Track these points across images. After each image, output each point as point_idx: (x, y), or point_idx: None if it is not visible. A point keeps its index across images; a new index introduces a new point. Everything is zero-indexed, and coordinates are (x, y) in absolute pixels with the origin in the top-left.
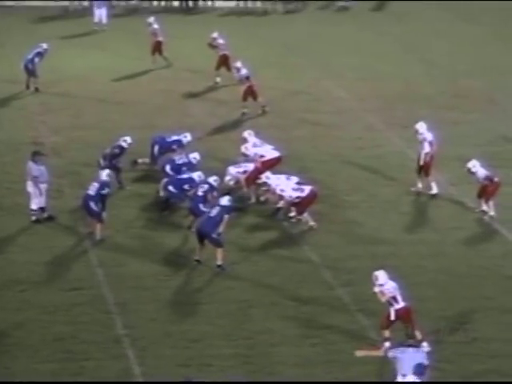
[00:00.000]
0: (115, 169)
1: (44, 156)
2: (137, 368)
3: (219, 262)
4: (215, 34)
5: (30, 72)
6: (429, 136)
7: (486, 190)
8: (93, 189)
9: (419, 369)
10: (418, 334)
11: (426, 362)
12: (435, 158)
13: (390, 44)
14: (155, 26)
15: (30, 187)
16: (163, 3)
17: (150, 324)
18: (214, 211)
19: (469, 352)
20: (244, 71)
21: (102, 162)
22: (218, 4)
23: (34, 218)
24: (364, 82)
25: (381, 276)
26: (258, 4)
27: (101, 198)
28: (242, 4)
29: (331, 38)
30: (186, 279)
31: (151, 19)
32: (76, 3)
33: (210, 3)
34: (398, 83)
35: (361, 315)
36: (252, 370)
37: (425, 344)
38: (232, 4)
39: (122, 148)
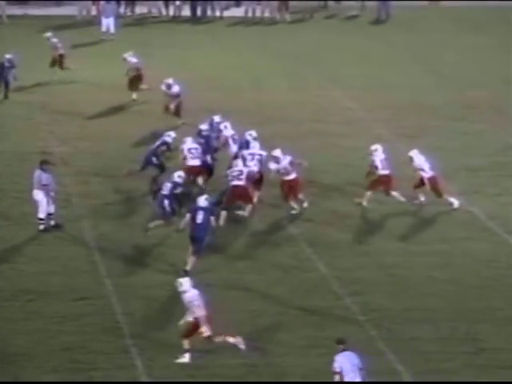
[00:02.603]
0: (161, 168)
1: (52, 165)
2: (145, 378)
3: (188, 268)
4: (126, 55)
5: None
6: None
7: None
8: (166, 189)
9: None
10: (233, 340)
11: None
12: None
13: (398, 54)
14: (54, 39)
15: (37, 195)
16: (171, 13)
17: (158, 334)
18: (200, 217)
19: (477, 363)
20: (176, 88)
21: (154, 159)
22: (226, 13)
23: (41, 227)
24: (372, 93)
25: (184, 283)
26: (266, 13)
27: (175, 198)
28: (250, 13)
29: (339, 48)
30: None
31: (48, 34)
32: (84, 12)
33: (218, 13)
34: (406, 93)
35: (368, 325)
36: (259, 379)
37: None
38: (240, 13)
39: (167, 143)
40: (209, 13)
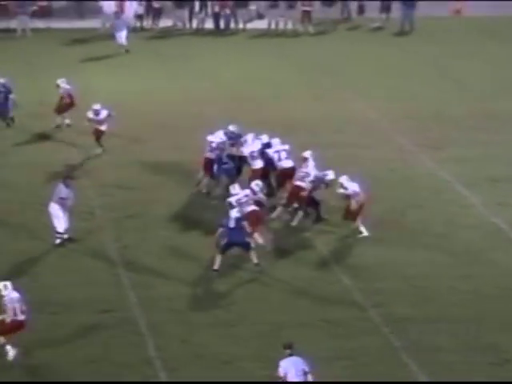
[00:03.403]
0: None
1: (74, 180)
2: None
3: (256, 261)
4: (59, 81)
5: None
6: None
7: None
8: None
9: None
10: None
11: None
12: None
13: (421, 64)
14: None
15: (52, 209)
16: (195, 25)
17: (182, 346)
18: (232, 222)
19: (502, 375)
20: (104, 113)
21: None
22: (249, 26)
23: (58, 241)
24: (395, 103)
25: (5, 286)
26: (289, 25)
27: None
28: (273, 25)
29: (362, 59)
30: (217, 301)
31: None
32: (107, 25)
33: (241, 25)
34: (428, 104)
35: (392, 337)
36: None
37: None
38: (263, 26)
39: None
40: (232, 25)
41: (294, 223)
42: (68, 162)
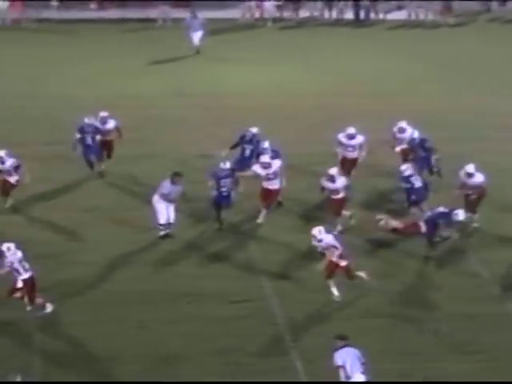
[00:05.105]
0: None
1: (182, 177)
2: (305, 380)
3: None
4: None
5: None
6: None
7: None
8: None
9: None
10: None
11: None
12: None
13: None
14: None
15: (156, 202)
16: (334, 15)
17: (317, 337)
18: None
19: None
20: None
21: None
22: (389, 16)
23: (162, 233)
24: None
25: (8, 248)
26: (430, 16)
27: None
28: (413, 16)
29: (498, 53)
30: (352, 292)
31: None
32: (247, 15)
33: (381, 15)
34: None
35: None
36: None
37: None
38: (403, 16)
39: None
40: (372, 16)
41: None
42: (204, 152)
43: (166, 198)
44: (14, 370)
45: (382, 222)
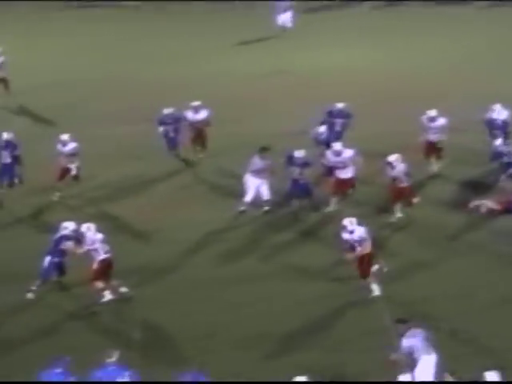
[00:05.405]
0: None
1: (270, 151)
2: None
3: None
4: None
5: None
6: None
7: None
8: None
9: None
10: None
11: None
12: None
13: None
14: None
15: (247, 180)
16: None
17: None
18: None
19: None
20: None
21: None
22: None
23: (241, 208)
24: None
25: (88, 228)
26: None
27: None
28: None
29: None
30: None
31: None
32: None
33: None
34: None
35: None
36: None
37: None
38: None
39: None
40: None
41: None
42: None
43: (257, 174)
44: (114, 347)
45: (476, 203)
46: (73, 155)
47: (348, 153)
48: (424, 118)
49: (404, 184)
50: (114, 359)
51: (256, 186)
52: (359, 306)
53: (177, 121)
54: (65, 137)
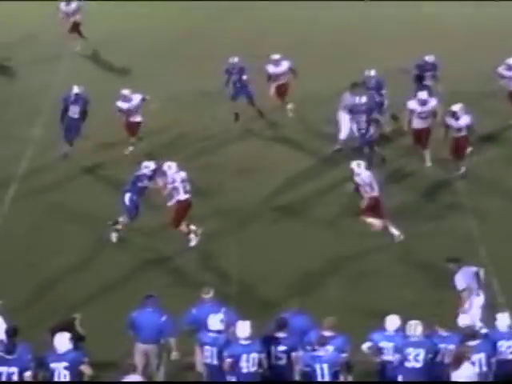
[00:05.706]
0: None
1: (360, 87)
2: (501, 297)
3: None
4: None
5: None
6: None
7: None
8: None
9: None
10: None
11: None
12: None
13: None
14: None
15: (339, 116)
16: None
17: None
18: None
19: None
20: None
21: None
22: None
23: (337, 147)
24: None
25: (169, 166)
26: None
27: None
28: None
29: None
30: None
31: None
32: None
33: None
34: None
35: None
36: None
37: None
38: None
39: None
40: None
41: None
42: None
43: (350, 110)
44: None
45: None
46: (135, 111)
47: (433, 102)
48: (501, 68)
49: (462, 134)
50: (210, 295)
51: (347, 123)
52: None
53: (241, 71)
54: (126, 92)
